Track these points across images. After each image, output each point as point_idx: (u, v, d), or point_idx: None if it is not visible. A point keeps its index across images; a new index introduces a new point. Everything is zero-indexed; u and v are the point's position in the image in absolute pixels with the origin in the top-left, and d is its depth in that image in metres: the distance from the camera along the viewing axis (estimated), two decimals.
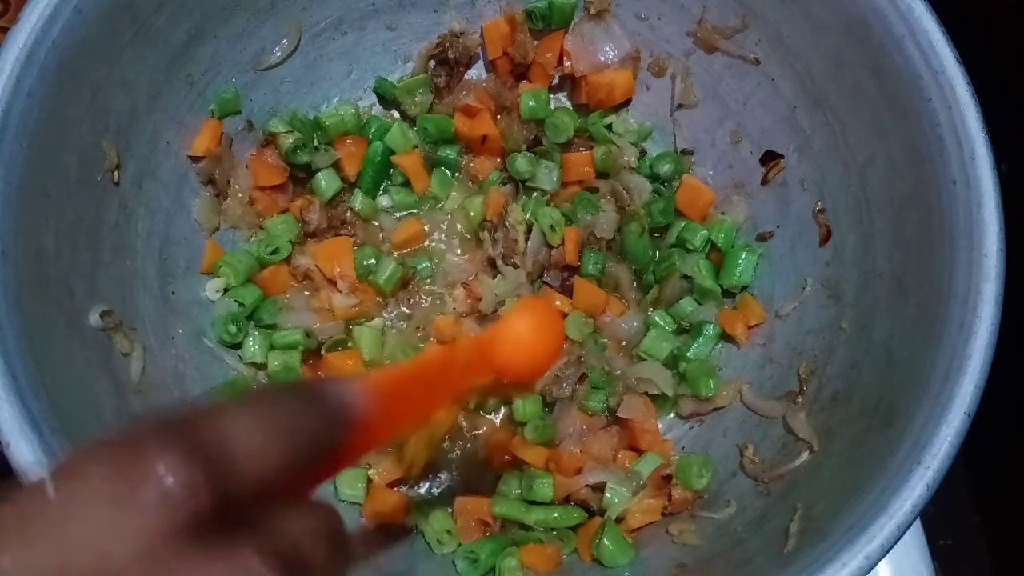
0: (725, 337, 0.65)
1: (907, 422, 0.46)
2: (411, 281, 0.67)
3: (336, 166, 0.68)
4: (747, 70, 0.63)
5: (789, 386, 0.59)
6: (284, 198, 0.68)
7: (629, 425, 0.62)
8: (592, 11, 0.66)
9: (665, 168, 0.68)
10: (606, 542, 0.57)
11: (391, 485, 0.62)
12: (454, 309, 0.66)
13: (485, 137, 0.68)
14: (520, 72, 0.70)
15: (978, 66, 0.51)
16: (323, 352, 0.64)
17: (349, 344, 0.65)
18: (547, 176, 0.68)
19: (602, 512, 0.60)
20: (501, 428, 0.64)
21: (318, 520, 0.28)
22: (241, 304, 0.64)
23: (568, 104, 0.72)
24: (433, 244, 0.69)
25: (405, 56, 0.71)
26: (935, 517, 0.69)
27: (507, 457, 0.63)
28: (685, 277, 0.66)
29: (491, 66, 0.70)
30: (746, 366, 0.64)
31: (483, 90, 0.69)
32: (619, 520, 0.59)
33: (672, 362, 0.65)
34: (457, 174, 0.71)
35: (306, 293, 0.67)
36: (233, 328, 0.63)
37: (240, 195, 0.66)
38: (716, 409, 0.63)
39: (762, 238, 0.65)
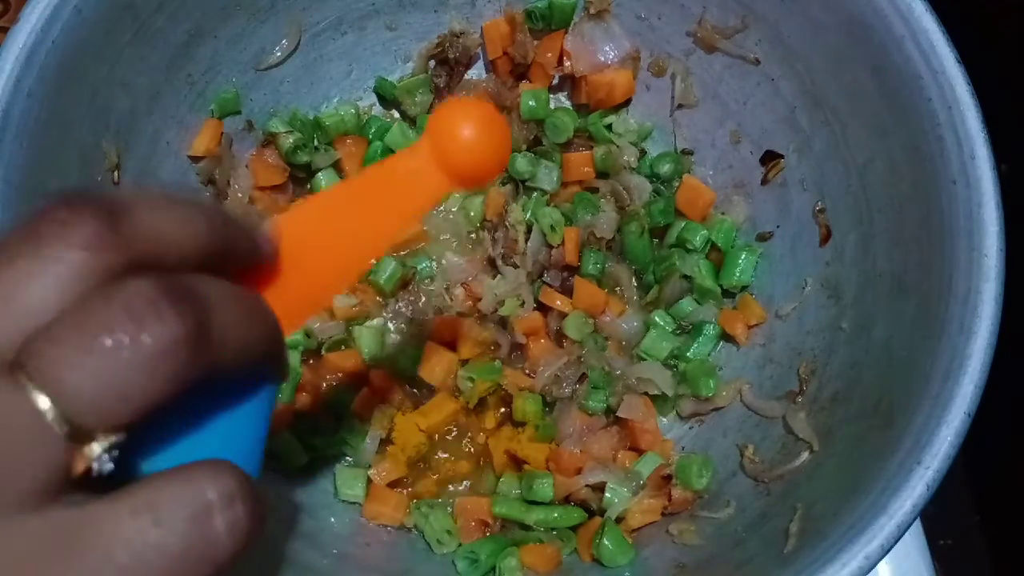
0: (725, 337, 0.65)
1: (907, 422, 0.46)
2: (411, 281, 0.67)
3: (336, 166, 0.68)
4: (747, 70, 0.63)
5: (789, 386, 0.59)
6: (284, 198, 0.68)
7: (629, 425, 0.62)
8: (592, 11, 0.66)
9: (665, 168, 0.68)
10: (606, 542, 0.57)
11: (391, 485, 0.62)
12: (453, 309, 0.66)
13: None
14: (520, 72, 0.70)
15: (978, 66, 0.51)
16: (323, 352, 0.64)
17: (349, 344, 0.65)
18: (547, 176, 0.68)
19: (602, 512, 0.60)
20: (501, 428, 0.64)
21: (241, 290, 0.27)
22: None
23: (568, 104, 0.72)
24: (433, 244, 0.69)
25: (405, 56, 0.71)
26: (935, 517, 0.69)
27: (507, 457, 0.63)
28: (685, 277, 0.66)
29: (491, 66, 0.70)
30: (746, 366, 0.64)
31: (483, 90, 0.69)
32: (619, 520, 0.59)
33: (672, 362, 0.65)
34: None
35: None
36: None
37: (240, 195, 0.66)
38: (716, 409, 0.63)
39: (762, 238, 0.65)
